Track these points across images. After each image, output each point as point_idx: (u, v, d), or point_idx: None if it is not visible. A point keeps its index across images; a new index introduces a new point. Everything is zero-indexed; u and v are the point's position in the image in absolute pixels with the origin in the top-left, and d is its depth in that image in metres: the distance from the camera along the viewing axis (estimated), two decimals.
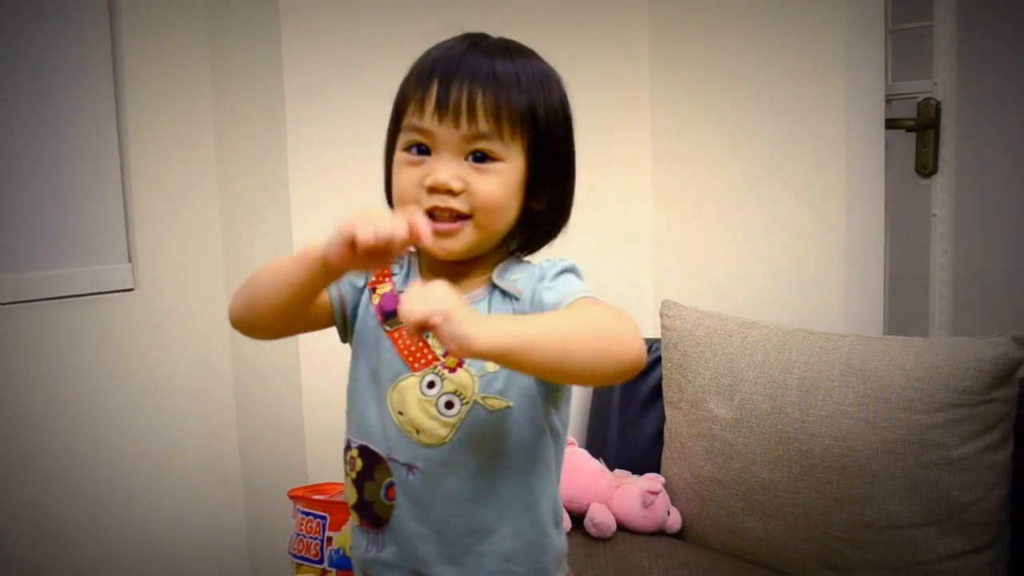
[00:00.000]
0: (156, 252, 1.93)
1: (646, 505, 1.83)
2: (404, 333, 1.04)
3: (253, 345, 2.00)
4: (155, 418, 1.94)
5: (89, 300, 1.86)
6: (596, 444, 2.04)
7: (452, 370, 1.02)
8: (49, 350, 1.82)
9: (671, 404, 1.92)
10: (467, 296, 1.01)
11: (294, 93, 1.80)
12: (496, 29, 1.10)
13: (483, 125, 0.98)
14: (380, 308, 1.07)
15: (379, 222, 0.89)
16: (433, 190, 0.99)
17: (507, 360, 0.88)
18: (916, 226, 2.06)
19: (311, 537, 1.65)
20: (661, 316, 1.98)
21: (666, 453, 1.92)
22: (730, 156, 2.12)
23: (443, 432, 1.01)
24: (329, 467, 1.79)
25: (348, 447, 1.09)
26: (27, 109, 1.79)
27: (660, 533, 1.85)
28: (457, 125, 0.98)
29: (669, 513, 1.85)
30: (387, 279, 1.08)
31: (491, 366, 1.01)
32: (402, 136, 1.02)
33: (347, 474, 1.09)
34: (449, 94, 0.98)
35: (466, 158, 0.99)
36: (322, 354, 1.84)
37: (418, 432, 1.02)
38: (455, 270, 1.03)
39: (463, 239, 1.00)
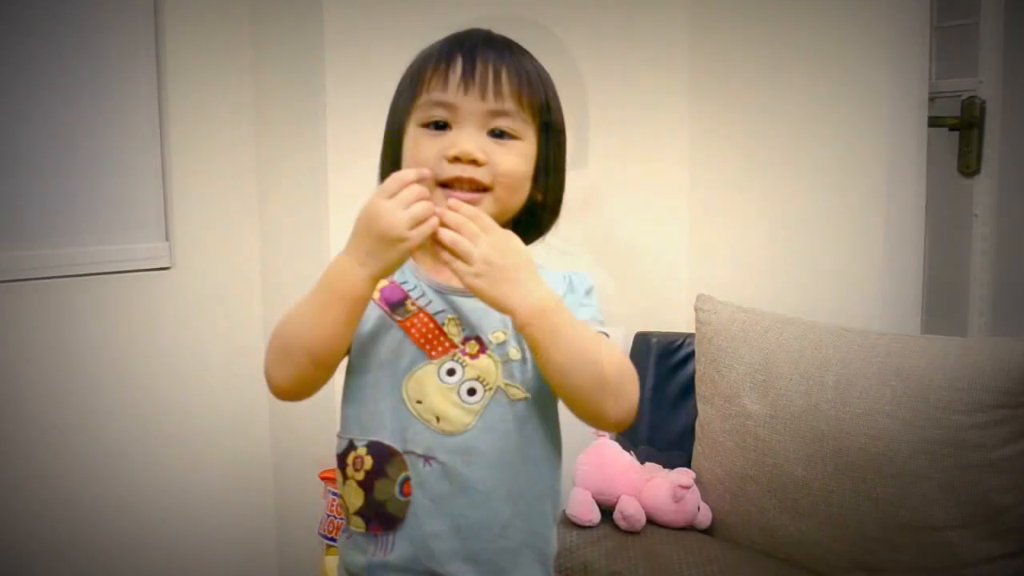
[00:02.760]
0: (193, 231, 1.94)
1: (676, 499, 1.82)
2: (417, 321, 1.02)
3: None
4: (187, 396, 1.95)
5: (126, 277, 1.88)
6: (627, 437, 2.02)
7: (474, 356, 1.00)
8: (85, 325, 1.84)
9: (704, 399, 1.90)
10: None
11: (335, 76, 1.80)
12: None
13: (508, 102, 1.00)
14: (384, 300, 1.04)
15: (406, 211, 0.92)
16: (457, 160, 0.98)
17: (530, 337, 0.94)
18: (957, 226, 2.03)
19: (342, 519, 1.64)
20: (696, 310, 1.96)
21: (697, 448, 1.91)
22: (769, 151, 2.10)
23: (467, 419, 0.99)
24: None
25: (351, 448, 1.03)
26: (67, 88, 1.80)
27: (690, 528, 1.83)
28: (483, 97, 0.99)
29: (699, 508, 1.84)
30: None
31: (514, 353, 1.01)
32: (419, 112, 1.01)
33: (348, 478, 1.03)
34: (475, 66, 0.99)
35: (487, 134, 1.00)
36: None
37: (439, 420, 0.99)
38: None
39: (482, 210, 0.99)
